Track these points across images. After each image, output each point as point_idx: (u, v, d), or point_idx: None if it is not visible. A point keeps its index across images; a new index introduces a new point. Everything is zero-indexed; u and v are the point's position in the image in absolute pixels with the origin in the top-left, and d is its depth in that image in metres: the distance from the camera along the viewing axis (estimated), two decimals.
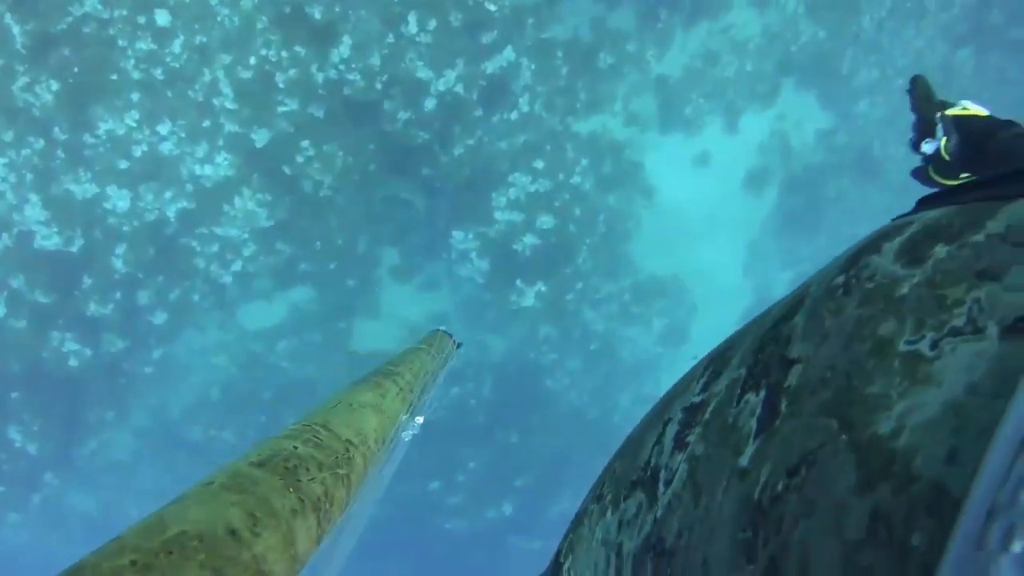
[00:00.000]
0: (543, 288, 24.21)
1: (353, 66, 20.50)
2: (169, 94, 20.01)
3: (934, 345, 1.04)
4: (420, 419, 3.45)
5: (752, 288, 29.31)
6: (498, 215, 23.01)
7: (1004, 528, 0.70)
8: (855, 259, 1.37)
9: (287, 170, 21.39)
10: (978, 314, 1.01)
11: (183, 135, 20.41)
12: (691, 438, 1.60)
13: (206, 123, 20.44)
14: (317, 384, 24.18)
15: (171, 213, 21.50)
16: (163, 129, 20.24)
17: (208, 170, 21.03)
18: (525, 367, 27.23)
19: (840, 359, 1.21)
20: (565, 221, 23.83)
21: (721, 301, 28.59)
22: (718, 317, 29.11)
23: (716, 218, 27.02)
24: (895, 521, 0.91)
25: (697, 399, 1.68)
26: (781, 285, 29.45)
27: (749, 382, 1.46)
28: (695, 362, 1.98)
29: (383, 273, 24.40)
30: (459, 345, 5.23)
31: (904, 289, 1.17)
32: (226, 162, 21.04)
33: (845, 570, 0.96)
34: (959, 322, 1.03)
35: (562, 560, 2.28)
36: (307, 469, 2.12)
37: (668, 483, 1.62)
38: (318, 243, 22.68)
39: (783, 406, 1.29)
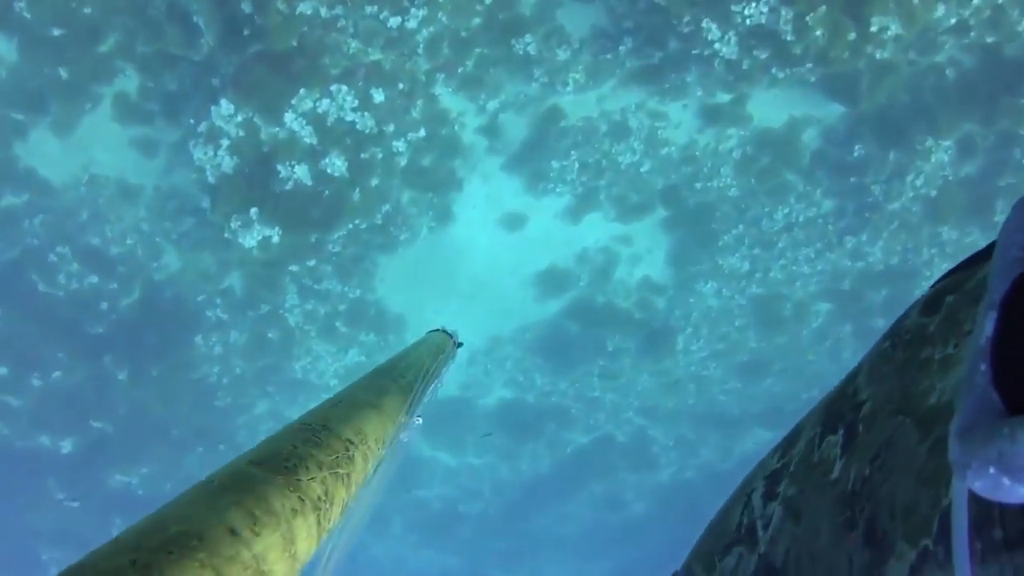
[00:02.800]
0: (276, 238, 17.70)
1: None
2: None
3: (955, 346, 1.53)
4: (420, 420, 3.22)
5: (461, 385, 25.52)
6: (288, 118, 16.47)
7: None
8: (894, 328, 1.85)
9: None
10: (976, 320, 1.28)
11: None
12: (780, 488, 1.94)
13: None
14: None
15: None
16: None
17: None
18: (184, 307, 21.06)
19: (898, 384, 1.65)
20: (355, 182, 17.73)
21: None
22: None
23: (484, 290, 22.61)
24: (943, 439, 1.19)
25: (777, 465, 2.03)
26: (491, 399, 25.44)
27: (826, 432, 1.84)
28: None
29: (108, 94, 17.91)
30: (459, 345, 4.77)
31: (931, 328, 1.67)
32: None
33: (917, 485, 1.35)
34: (967, 328, 1.52)
35: None
36: (307, 468, 2.09)
37: (766, 526, 1.92)
38: None
39: (860, 428, 1.70)
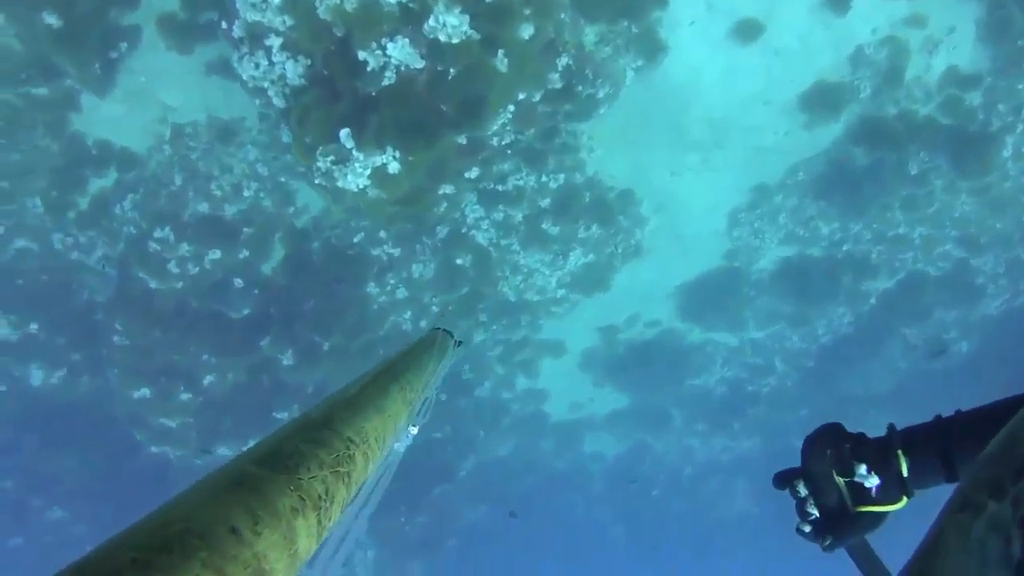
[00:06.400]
0: (393, 164, 11.55)
1: None
2: None
3: None
4: (415, 429, 3.17)
5: (725, 253, 20.80)
6: None
7: None
8: None
9: None
10: None
11: None
12: None
13: None
14: None
15: None
16: None
17: None
18: (342, 254, 16.93)
19: None
20: (492, 41, 11.41)
21: (673, 257, 20.30)
22: (653, 279, 21.03)
23: (729, 132, 17.42)
24: None
25: None
26: (766, 262, 21.37)
27: None
28: None
29: (150, 19, 13.36)
30: (459, 344, 4.54)
31: None
32: None
33: None
34: None
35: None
36: (308, 467, 2.05)
37: None
38: None
39: None
